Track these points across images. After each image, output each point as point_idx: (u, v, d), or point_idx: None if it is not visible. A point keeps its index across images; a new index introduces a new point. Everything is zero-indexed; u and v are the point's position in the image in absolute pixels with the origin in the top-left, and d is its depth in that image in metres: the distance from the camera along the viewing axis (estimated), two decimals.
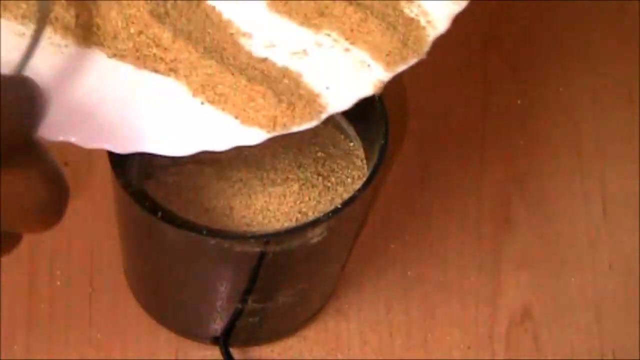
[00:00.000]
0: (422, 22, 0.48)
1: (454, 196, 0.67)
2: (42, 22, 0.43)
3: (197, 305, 0.59)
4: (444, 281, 0.64)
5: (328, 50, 0.47)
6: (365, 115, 0.55)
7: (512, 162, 0.69)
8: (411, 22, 0.48)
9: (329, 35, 0.47)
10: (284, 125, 0.45)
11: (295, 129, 0.45)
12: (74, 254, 0.64)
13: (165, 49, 0.45)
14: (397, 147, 0.68)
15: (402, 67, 0.48)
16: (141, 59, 0.45)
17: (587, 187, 0.68)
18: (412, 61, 0.48)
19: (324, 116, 0.46)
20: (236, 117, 0.44)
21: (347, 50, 0.47)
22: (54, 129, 0.43)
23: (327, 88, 0.46)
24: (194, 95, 0.45)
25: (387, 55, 0.47)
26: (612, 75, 0.73)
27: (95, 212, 0.65)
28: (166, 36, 0.45)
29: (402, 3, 0.48)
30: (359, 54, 0.47)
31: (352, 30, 0.47)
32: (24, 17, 0.45)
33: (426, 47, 0.48)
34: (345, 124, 0.57)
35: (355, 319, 0.63)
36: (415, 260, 0.65)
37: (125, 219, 0.55)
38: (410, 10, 0.48)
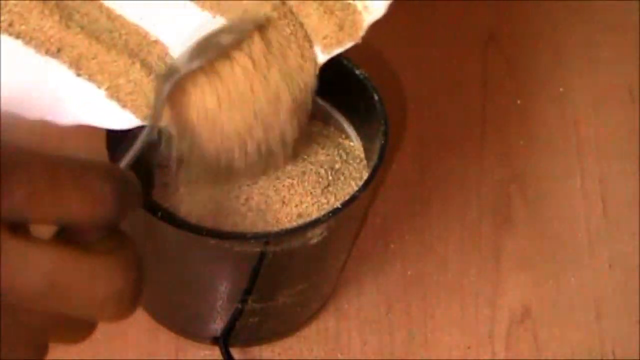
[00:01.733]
0: (359, 7, 0.49)
1: (454, 196, 0.67)
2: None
3: (197, 305, 0.59)
4: (444, 281, 0.64)
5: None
6: (365, 115, 0.55)
7: (512, 162, 0.69)
8: (348, 7, 0.49)
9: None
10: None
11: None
12: None
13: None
14: (397, 147, 0.68)
15: (337, 50, 0.49)
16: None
17: (587, 187, 0.68)
18: (348, 45, 0.49)
19: None
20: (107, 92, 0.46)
21: None
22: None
23: None
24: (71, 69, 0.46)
25: (324, 38, 0.48)
26: (612, 75, 0.73)
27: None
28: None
29: None
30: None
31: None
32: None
33: (361, 32, 0.49)
34: (345, 124, 0.57)
35: (355, 319, 0.63)
36: (415, 260, 0.65)
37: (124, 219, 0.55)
38: None
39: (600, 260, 0.66)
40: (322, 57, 0.49)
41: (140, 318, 0.62)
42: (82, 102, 0.46)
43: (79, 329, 0.39)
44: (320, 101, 0.57)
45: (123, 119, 0.47)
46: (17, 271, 0.34)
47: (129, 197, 0.36)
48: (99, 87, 0.46)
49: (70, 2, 0.47)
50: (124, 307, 0.37)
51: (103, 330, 0.62)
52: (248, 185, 0.53)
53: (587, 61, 0.73)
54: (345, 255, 0.61)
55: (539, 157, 0.69)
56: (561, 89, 0.72)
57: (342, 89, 0.55)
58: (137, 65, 0.47)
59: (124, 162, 0.41)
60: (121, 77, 0.46)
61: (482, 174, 0.68)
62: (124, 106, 0.47)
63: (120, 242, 0.37)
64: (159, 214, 0.49)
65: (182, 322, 0.61)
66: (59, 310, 0.36)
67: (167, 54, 0.47)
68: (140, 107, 0.47)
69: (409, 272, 0.65)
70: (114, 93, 0.46)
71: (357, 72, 0.54)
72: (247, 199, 0.53)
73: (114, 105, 0.47)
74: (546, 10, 0.74)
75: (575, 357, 0.63)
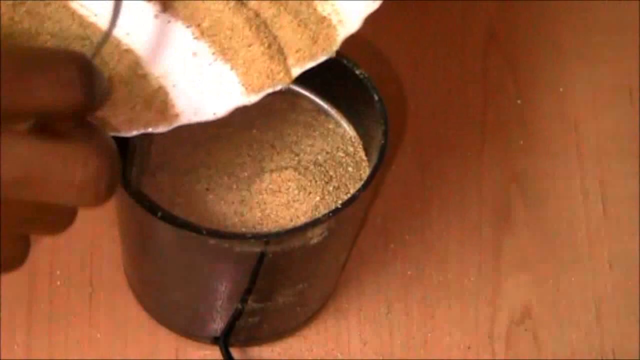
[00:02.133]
0: (334, 21, 0.48)
1: (454, 196, 0.67)
2: None
3: (197, 305, 0.59)
4: (444, 281, 0.64)
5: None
6: (365, 115, 0.55)
7: (512, 162, 0.69)
8: (323, 21, 0.48)
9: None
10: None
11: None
12: (74, 254, 0.64)
13: None
14: (397, 147, 0.68)
15: (311, 64, 0.48)
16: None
17: (587, 187, 0.68)
18: (321, 59, 0.48)
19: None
20: None
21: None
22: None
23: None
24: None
25: (297, 51, 0.48)
26: (612, 75, 0.72)
27: (95, 212, 0.65)
28: None
29: (316, 2, 0.48)
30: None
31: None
32: None
33: (335, 46, 0.48)
34: (345, 124, 0.57)
35: (355, 319, 0.63)
36: (415, 260, 0.65)
37: (125, 218, 0.55)
38: (323, 9, 0.48)
39: (600, 260, 0.66)
40: (295, 71, 0.48)
41: (140, 318, 0.62)
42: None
43: (58, 218, 0.40)
44: (320, 101, 0.57)
45: None
46: None
47: (96, 81, 0.38)
48: None
49: (42, 9, 0.47)
50: (101, 191, 0.38)
51: (103, 330, 0.62)
52: (247, 184, 0.53)
53: (587, 61, 0.73)
54: (345, 255, 0.61)
55: (539, 157, 0.69)
56: (561, 89, 0.72)
57: (342, 89, 0.55)
58: (106, 75, 0.46)
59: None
60: None
61: (482, 174, 0.68)
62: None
63: (92, 131, 0.39)
64: (159, 214, 0.49)
65: (182, 322, 0.61)
66: (38, 199, 0.37)
67: (137, 63, 0.47)
68: (108, 117, 0.46)
69: (409, 272, 0.65)
70: None
71: (357, 72, 0.54)
72: (246, 199, 0.53)
73: None
74: (546, 10, 0.74)
75: (575, 357, 0.63)
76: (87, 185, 0.38)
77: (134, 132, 0.46)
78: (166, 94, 0.47)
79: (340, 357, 0.62)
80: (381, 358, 0.62)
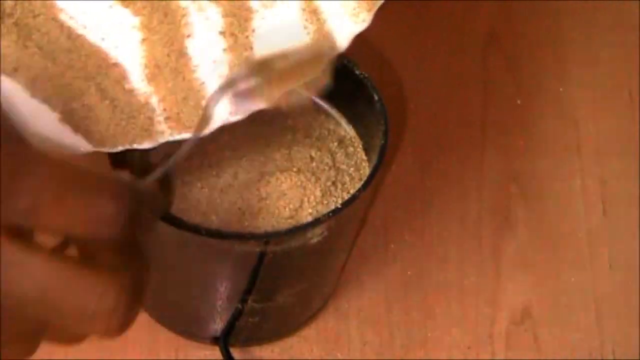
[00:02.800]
0: None
1: (454, 196, 0.67)
2: None
3: (197, 305, 0.59)
4: (444, 281, 0.64)
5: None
6: (364, 115, 0.55)
7: (512, 162, 0.69)
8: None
9: None
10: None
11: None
12: None
13: None
14: (397, 147, 0.68)
15: (371, 15, 0.48)
16: None
17: (587, 187, 0.68)
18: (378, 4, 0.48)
19: None
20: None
21: None
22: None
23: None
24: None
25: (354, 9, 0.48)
26: (612, 75, 0.73)
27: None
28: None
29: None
30: None
31: None
32: None
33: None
34: (345, 124, 0.57)
35: (355, 319, 0.63)
36: (415, 260, 0.65)
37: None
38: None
39: (600, 260, 0.66)
40: (358, 27, 0.47)
41: (140, 318, 0.62)
42: (34, 124, 0.45)
43: (70, 336, 0.39)
44: (320, 101, 0.57)
45: (75, 144, 0.46)
46: (11, 277, 0.34)
47: (141, 218, 0.36)
48: (53, 110, 0.46)
49: (30, 20, 0.47)
50: (113, 326, 0.36)
51: None
52: (247, 184, 0.53)
53: (587, 61, 0.73)
54: (345, 255, 0.61)
55: (539, 157, 0.69)
56: (561, 89, 0.72)
57: (342, 89, 0.55)
58: (92, 90, 0.46)
59: (152, 177, 0.40)
60: (75, 101, 0.46)
61: (482, 174, 0.68)
62: (76, 131, 0.46)
63: (127, 260, 0.37)
64: None
65: (182, 322, 0.61)
66: (50, 319, 0.36)
67: (125, 77, 0.47)
68: (92, 133, 0.46)
69: (409, 272, 0.65)
70: (67, 117, 0.46)
71: (357, 72, 0.54)
72: (246, 199, 0.53)
73: (66, 130, 0.46)
74: (546, 10, 0.74)
75: (575, 357, 0.63)
76: (99, 318, 0.36)
77: (119, 148, 0.46)
78: (152, 109, 0.47)
79: (340, 357, 0.62)
80: (381, 358, 0.62)
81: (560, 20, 0.74)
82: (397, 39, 0.71)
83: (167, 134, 0.47)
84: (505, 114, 0.70)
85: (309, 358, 0.62)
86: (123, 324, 0.36)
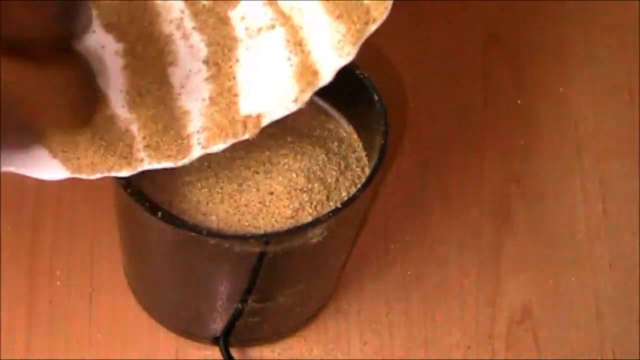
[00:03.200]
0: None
1: (454, 196, 0.67)
2: None
3: (197, 305, 0.59)
4: (444, 281, 0.65)
5: None
6: (365, 115, 0.55)
7: (512, 162, 0.69)
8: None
9: None
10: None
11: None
12: (74, 254, 0.64)
13: None
14: (397, 147, 0.68)
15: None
16: None
17: (587, 187, 0.68)
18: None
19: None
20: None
21: None
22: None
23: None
24: None
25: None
26: (612, 75, 0.73)
27: (95, 212, 0.65)
28: None
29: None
30: None
31: None
32: None
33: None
34: (345, 124, 0.57)
35: (355, 319, 0.63)
36: (415, 260, 0.65)
37: (125, 219, 0.55)
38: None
39: (600, 260, 0.66)
40: (342, 60, 0.47)
41: (140, 318, 0.62)
42: (12, 147, 0.45)
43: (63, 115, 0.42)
44: (320, 101, 0.57)
45: (52, 170, 0.46)
46: None
47: (78, 6, 0.38)
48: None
49: None
50: (75, 117, 0.40)
51: (103, 330, 0.62)
52: (247, 184, 0.53)
53: (587, 61, 0.73)
54: (345, 255, 0.61)
55: (539, 157, 0.69)
56: (561, 89, 0.72)
57: (342, 89, 0.55)
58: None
59: None
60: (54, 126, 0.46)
61: (482, 174, 0.68)
62: (54, 157, 0.46)
63: (72, 58, 0.40)
64: (159, 214, 0.49)
65: (182, 322, 0.61)
66: (29, 111, 0.39)
67: (105, 103, 0.46)
68: (70, 159, 0.46)
69: (409, 273, 0.65)
70: (46, 142, 0.46)
71: (357, 72, 0.54)
72: (246, 198, 0.53)
73: (43, 154, 0.46)
74: (546, 10, 0.74)
75: (575, 357, 0.63)
76: (65, 109, 0.40)
77: (97, 175, 0.46)
78: (132, 137, 0.46)
79: (340, 357, 0.62)
80: (381, 358, 0.62)
81: (560, 20, 0.74)
82: (397, 39, 0.71)
83: (146, 162, 0.46)
84: (505, 114, 0.70)
85: (309, 358, 0.62)
86: (86, 113, 0.41)
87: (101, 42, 0.47)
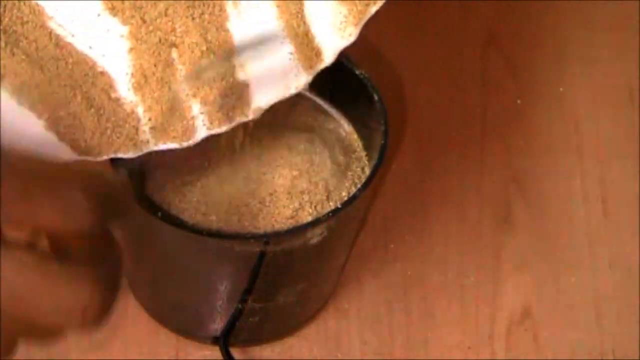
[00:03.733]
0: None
1: (454, 196, 0.67)
2: None
3: (197, 305, 0.59)
4: (444, 281, 0.64)
5: None
6: (365, 115, 0.55)
7: (512, 162, 0.69)
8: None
9: None
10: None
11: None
12: None
13: None
14: (397, 147, 0.68)
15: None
16: None
17: (587, 187, 0.68)
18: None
19: None
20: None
21: None
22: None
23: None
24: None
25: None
26: (612, 75, 0.73)
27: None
28: None
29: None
30: None
31: None
32: None
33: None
34: (345, 124, 0.57)
35: (355, 318, 0.63)
36: (415, 260, 0.65)
37: (125, 219, 0.55)
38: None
39: (600, 260, 0.66)
40: (344, 42, 0.48)
41: (140, 318, 0.62)
42: (20, 130, 0.45)
43: (47, 334, 0.37)
44: (319, 101, 0.57)
45: (60, 152, 0.46)
46: None
47: (112, 206, 0.36)
48: (39, 118, 0.46)
49: (19, 27, 0.47)
50: (89, 321, 0.36)
51: (103, 330, 0.62)
52: (247, 184, 0.53)
53: (587, 61, 0.73)
54: (345, 255, 0.61)
55: (539, 157, 0.69)
56: (561, 89, 0.72)
57: (342, 89, 0.55)
58: (78, 98, 0.46)
59: (123, 167, 0.41)
60: (62, 109, 0.46)
61: (482, 174, 0.68)
62: (62, 139, 0.46)
63: (101, 252, 0.36)
64: (159, 214, 0.49)
65: (182, 322, 0.61)
66: (23, 317, 0.35)
67: (111, 86, 0.47)
68: (77, 141, 0.46)
69: (409, 272, 0.65)
70: (53, 125, 0.46)
71: (357, 72, 0.54)
72: (246, 198, 0.53)
73: (51, 137, 0.46)
74: (546, 10, 0.74)
75: (575, 357, 0.63)
76: (72, 312, 0.35)
77: (104, 157, 0.46)
78: (138, 119, 0.47)
79: (340, 357, 0.62)
80: (381, 358, 0.62)
81: (560, 20, 0.74)
82: (397, 39, 0.71)
83: (152, 143, 0.47)
84: (505, 114, 0.70)
85: (309, 358, 0.62)
86: (99, 318, 0.36)
87: (107, 26, 0.47)
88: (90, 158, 0.46)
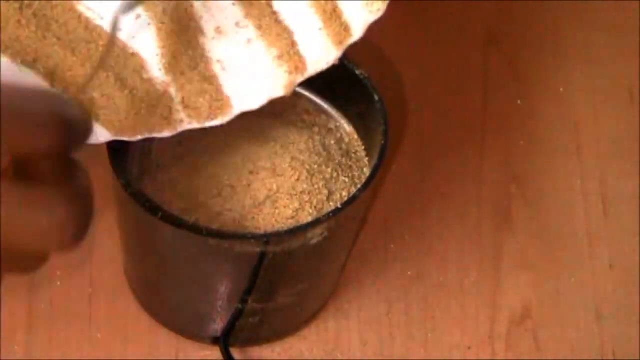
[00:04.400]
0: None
1: (454, 196, 0.67)
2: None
3: (197, 305, 0.59)
4: (444, 281, 0.64)
5: None
6: (365, 115, 0.55)
7: (512, 162, 0.69)
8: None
9: None
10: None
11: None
12: (74, 254, 0.63)
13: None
14: (397, 147, 0.68)
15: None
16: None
17: (587, 187, 0.68)
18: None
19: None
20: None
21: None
22: None
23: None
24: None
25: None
26: (612, 75, 0.73)
27: (95, 211, 0.65)
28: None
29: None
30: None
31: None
32: None
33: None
34: (345, 124, 0.57)
35: (355, 318, 0.63)
36: (415, 260, 0.65)
37: (125, 219, 0.55)
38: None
39: (600, 260, 0.66)
40: (372, 16, 0.48)
41: (140, 318, 0.62)
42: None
43: (28, 259, 0.38)
44: (320, 101, 0.57)
45: (94, 133, 0.46)
46: None
47: (74, 127, 0.36)
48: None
49: (48, 11, 0.47)
50: (66, 239, 0.36)
51: (103, 330, 0.62)
52: (247, 184, 0.53)
53: (587, 61, 0.73)
54: (345, 255, 0.61)
55: (539, 157, 0.69)
56: (561, 89, 0.72)
57: (342, 89, 0.55)
58: (111, 79, 0.46)
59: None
60: (95, 90, 0.46)
61: (482, 174, 0.68)
62: (96, 120, 0.46)
63: (70, 173, 0.37)
64: (159, 214, 0.49)
65: (182, 322, 0.61)
66: (2, 241, 0.35)
67: (143, 67, 0.47)
68: (112, 122, 0.46)
69: (408, 272, 0.65)
70: (87, 106, 0.46)
71: (357, 72, 0.54)
72: (246, 198, 0.53)
73: None
74: (546, 10, 0.74)
75: (575, 357, 0.63)
76: (50, 232, 0.35)
77: (138, 137, 0.47)
78: (170, 98, 0.47)
79: (340, 357, 0.62)
80: (381, 358, 0.62)
81: (560, 20, 0.74)
82: (397, 39, 0.71)
83: (186, 122, 0.47)
84: (505, 114, 0.70)
85: (309, 358, 0.62)
86: (77, 234, 0.36)
87: (137, 12, 0.47)
88: (125, 138, 0.46)
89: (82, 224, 0.36)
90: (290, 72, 0.48)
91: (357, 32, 0.48)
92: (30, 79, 0.46)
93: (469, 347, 0.62)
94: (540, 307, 0.64)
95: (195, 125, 0.47)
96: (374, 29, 0.49)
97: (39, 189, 0.35)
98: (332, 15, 0.48)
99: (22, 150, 0.35)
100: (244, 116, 0.51)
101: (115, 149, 0.50)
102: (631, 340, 0.63)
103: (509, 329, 0.63)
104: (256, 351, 0.62)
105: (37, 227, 0.35)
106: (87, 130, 0.36)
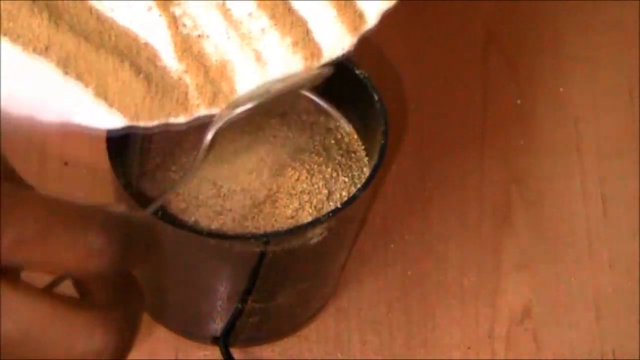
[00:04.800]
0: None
1: (454, 196, 0.67)
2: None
3: (197, 305, 0.59)
4: (444, 281, 0.64)
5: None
6: (365, 115, 0.55)
7: (512, 162, 0.69)
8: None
9: None
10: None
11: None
12: None
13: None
14: (397, 147, 0.68)
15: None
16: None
17: (587, 187, 0.68)
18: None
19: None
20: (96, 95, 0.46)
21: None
22: None
23: None
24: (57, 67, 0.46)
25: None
26: (612, 75, 0.73)
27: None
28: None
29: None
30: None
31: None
32: None
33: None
34: (345, 124, 0.57)
35: (355, 318, 0.63)
36: (415, 260, 0.65)
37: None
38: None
39: (600, 260, 0.66)
40: (386, 3, 0.48)
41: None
42: (68, 101, 0.45)
43: None
44: (320, 101, 0.57)
45: (110, 119, 0.46)
46: None
47: (135, 249, 0.34)
48: (86, 87, 0.46)
49: (60, 2, 0.47)
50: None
51: None
52: (247, 184, 0.53)
53: (587, 61, 0.73)
54: (345, 255, 0.61)
55: (539, 157, 0.69)
56: (561, 89, 0.72)
57: (342, 89, 0.55)
58: (126, 65, 0.46)
59: (149, 209, 0.41)
60: (109, 76, 0.46)
61: (482, 174, 0.68)
62: (111, 105, 0.46)
63: (121, 295, 0.35)
64: (159, 213, 0.49)
65: (182, 322, 0.61)
66: (34, 357, 0.34)
67: (156, 56, 0.47)
68: (128, 107, 0.46)
69: (409, 272, 0.65)
70: (102, 92, 0.46)
71: (357, 72, 0.54)
72: (246, 198, 0.53)
73: (101, 105, 0.46)
74: (546, 10, 0.74)
75: (575, 357, 0.63)
76: (83, 357, 0.34)
77: (155, 122, 0.46)
78: (186, 85, 0.47)
79: (340, 357, 0.62)
80: (381, 358, 0.62)
81: (560, 20, 0.74)
82: (397, 39, 0.71)
83: (202, 108, 0.47)
84: (505, 114, 0.70)
85: (309, 358, 0.62)
86: None
87: (148, 4, 0.47)
88: (141, 123, 0.46)
89: (120, 352, 0.35)
90: (306, 59, 0.48)
91: (371, 19, 0.48)
92: (42, 68, 0.46)
93: (469, 347, 0.62)
94: (540, 307, 0.64)
95: (212, 111, 0.47)
96: (374, 29, 0.49)
97: (83, 311, 0.34)
98: (346, 3, 0.48)
99: (72, 273, 0.34)
100: (245, 118, 0.51)
101: (116, 149, 0.50)
102: (631, 340, 0.63)
103: (509, 329, 0.63)
104: (256, 351, 0.62)
105: (71, 351, 0.34)
106: (151, 251, 0.35)
